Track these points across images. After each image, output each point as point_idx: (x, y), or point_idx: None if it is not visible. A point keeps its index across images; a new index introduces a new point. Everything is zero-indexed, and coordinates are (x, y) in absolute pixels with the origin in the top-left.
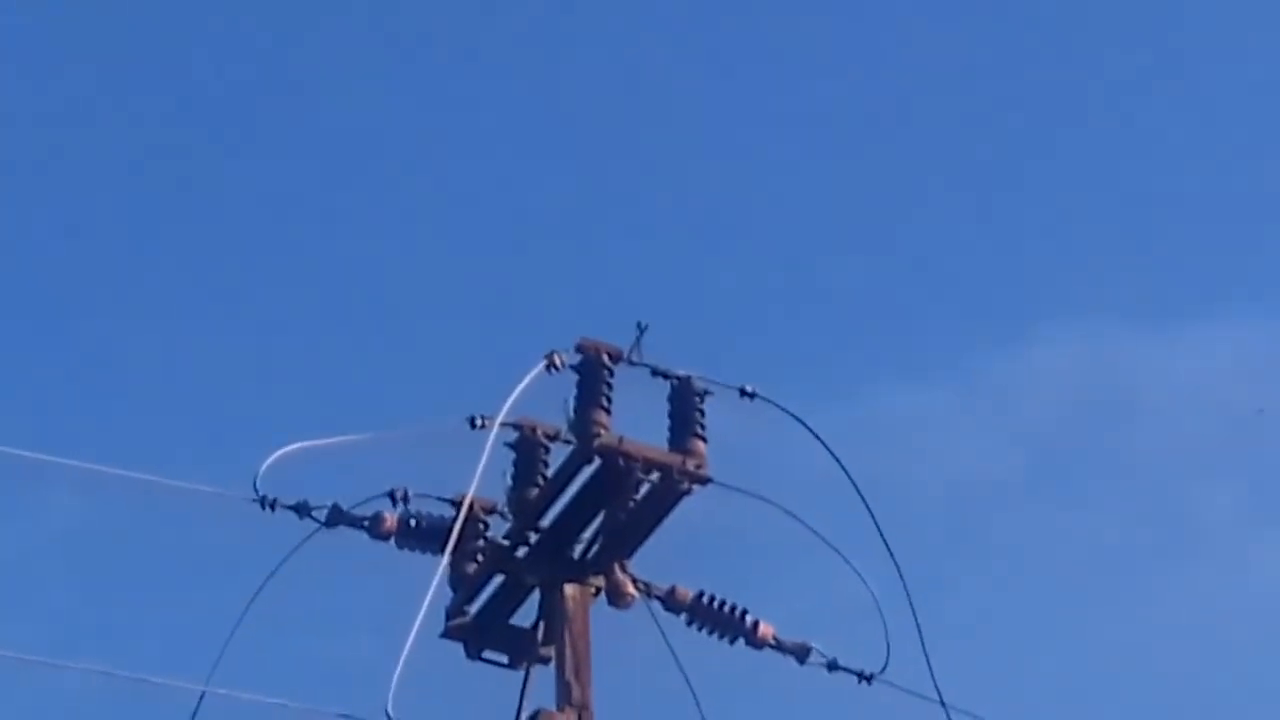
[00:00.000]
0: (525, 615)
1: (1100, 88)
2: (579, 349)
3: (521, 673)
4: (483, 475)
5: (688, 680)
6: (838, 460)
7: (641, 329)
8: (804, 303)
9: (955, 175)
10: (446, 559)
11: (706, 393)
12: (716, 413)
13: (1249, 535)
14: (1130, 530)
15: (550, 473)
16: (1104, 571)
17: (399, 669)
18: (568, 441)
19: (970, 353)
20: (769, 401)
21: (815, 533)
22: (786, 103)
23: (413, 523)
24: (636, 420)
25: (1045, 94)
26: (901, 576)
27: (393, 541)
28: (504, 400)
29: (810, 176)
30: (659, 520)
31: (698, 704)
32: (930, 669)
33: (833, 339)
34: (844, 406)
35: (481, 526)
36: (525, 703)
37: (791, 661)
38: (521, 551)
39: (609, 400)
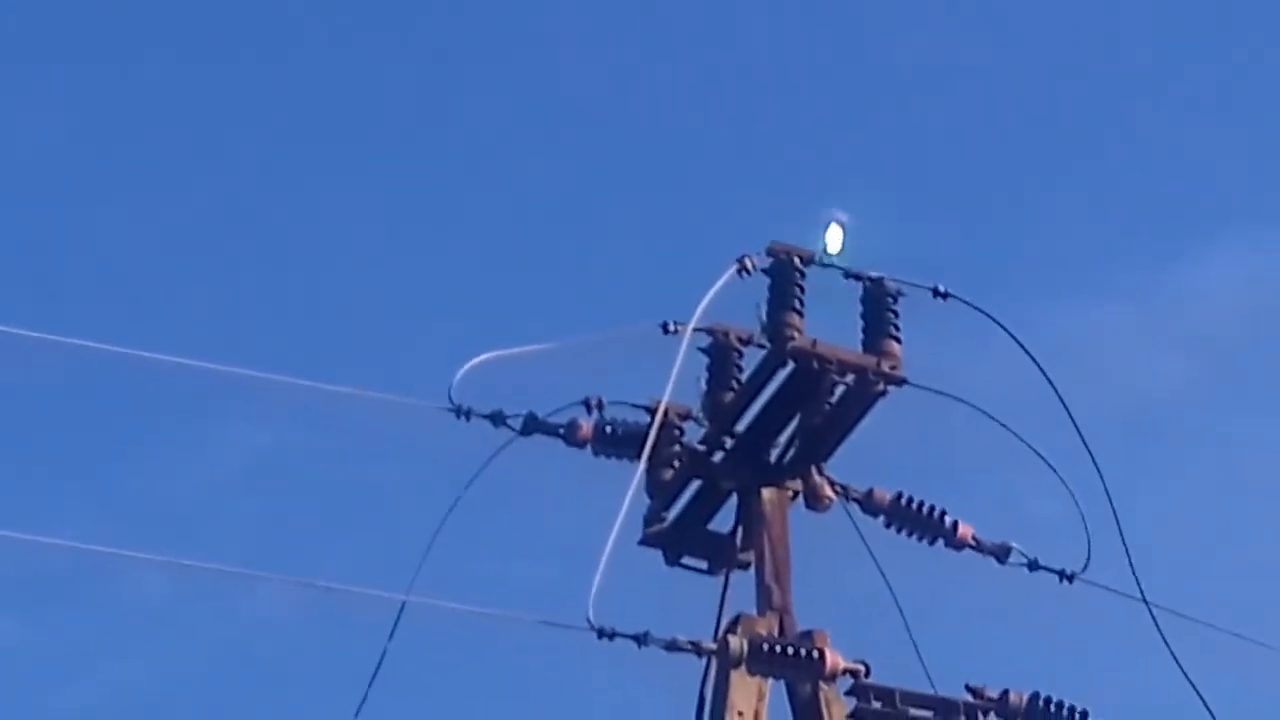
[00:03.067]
0: (723, 520)
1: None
2: (770, 252)
3: (720, 578)
4: (677, 381)
5: (887, 582)
6: (1031, 357)
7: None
8: (978, 223)
9: (1130, 90)
10: (643, 465)
11: (899, 294)
12: (909, 314)
13: None
14: None
15: (744, 377)
16: None
17: (598, 576)
18: (761, 345)
19: (1144, 267)
20: (962, 301)
21: (1012, 432)
22: (968, 15)
23: (608, 429)
24: (830, 323)
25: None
26: (1100, 473)
27: (589, 449)
28: (696, 305)
29: (995, 91)
30: (855, 422)
31: (898, 605)
32: (1132, 566)
33: (1006, 257)
34: (1019, 325)
35: (677, 432)
36: (725, 608)
37: (991, 562)
38: (718, 456)
39: (801, 303)
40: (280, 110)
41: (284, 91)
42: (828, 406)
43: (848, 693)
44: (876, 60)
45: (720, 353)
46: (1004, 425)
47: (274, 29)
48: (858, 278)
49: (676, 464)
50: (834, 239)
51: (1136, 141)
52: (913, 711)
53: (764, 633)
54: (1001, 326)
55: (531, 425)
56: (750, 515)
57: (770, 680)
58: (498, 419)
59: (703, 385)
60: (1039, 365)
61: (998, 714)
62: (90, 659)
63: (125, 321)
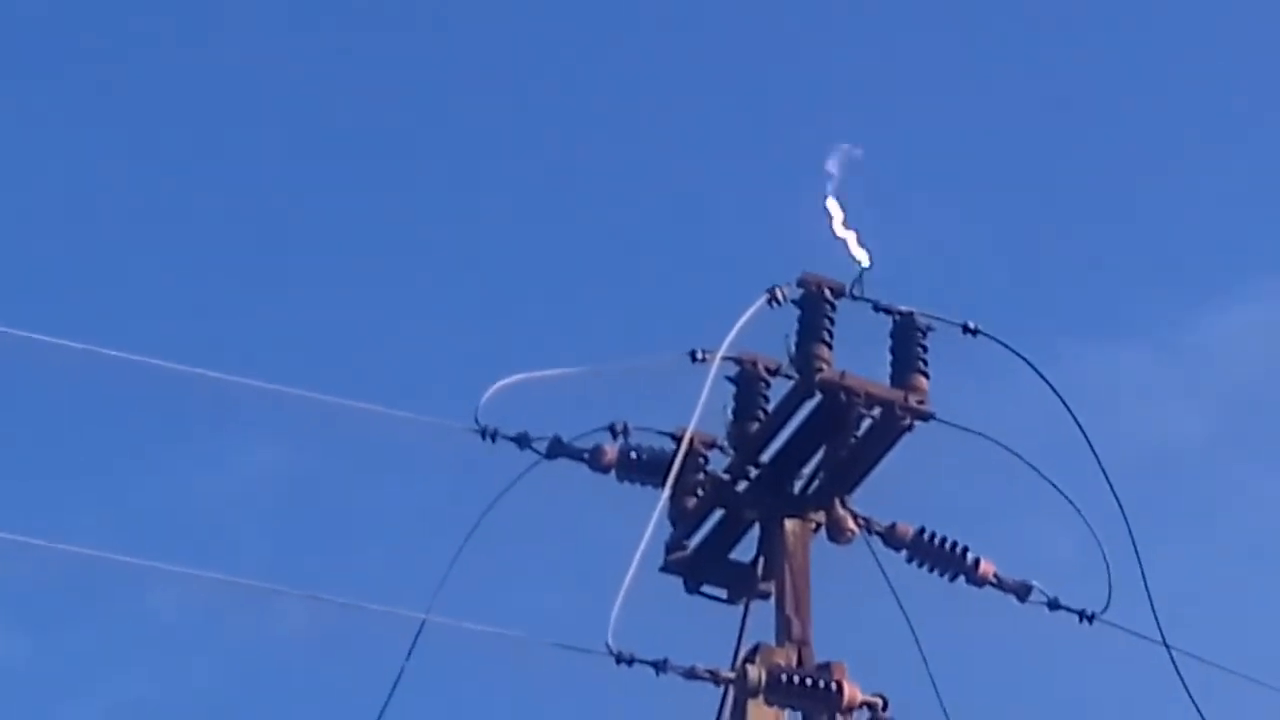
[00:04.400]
0: (745, 550)
1: None
2: (801, 283)
3: (740, 607)
4: (703, 409)
5: (907, 617)
6: (1060, 397)
7: (864, 264)
8: (1004, 264)
9: (1160, 134)
10: (667, 492)
11: (929, 328)
12: (938, 349)
13: None
14: None
15: (771, 407)
16: None
17: (619, 601)
18: (789, 376)
19: (1166, 312)
20: (992, 338)
21: (1037, 471)
22: (1002, 58)
23: (633, 455)
24: (858, 355)
25: (1246, 53)
26: (1124, 514)
27: (613, 474)
28: (725, 334)
29: (1026, 132)
30: (880, 456)
31: (917, 641)
32: (1153, 608)
33: (1030, 299)
34: (1042, 364)
35: (702, 460)
36: (744, 637)
37: (1012, 600)
38: (742, 486)
39: (831, 335)
40: (303, 124)
41: (306, 106)
42: (853, 439)
43: None
44: (915, 96)
45: (747, 382)
46: (1029, 463)
47: (294, 39)
48: (888, 311)
49: (700, 492)
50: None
51: (1167, 189)
52: None
53: (782, 663)
54: (1032, 366)
55: (556, 449)
56: (772, 546)
57: (787, 711)
58: (523, 441)
59: (729, 414)
60: (1067, 406)
61: None
62: (101, 673)
63: (148, 331)
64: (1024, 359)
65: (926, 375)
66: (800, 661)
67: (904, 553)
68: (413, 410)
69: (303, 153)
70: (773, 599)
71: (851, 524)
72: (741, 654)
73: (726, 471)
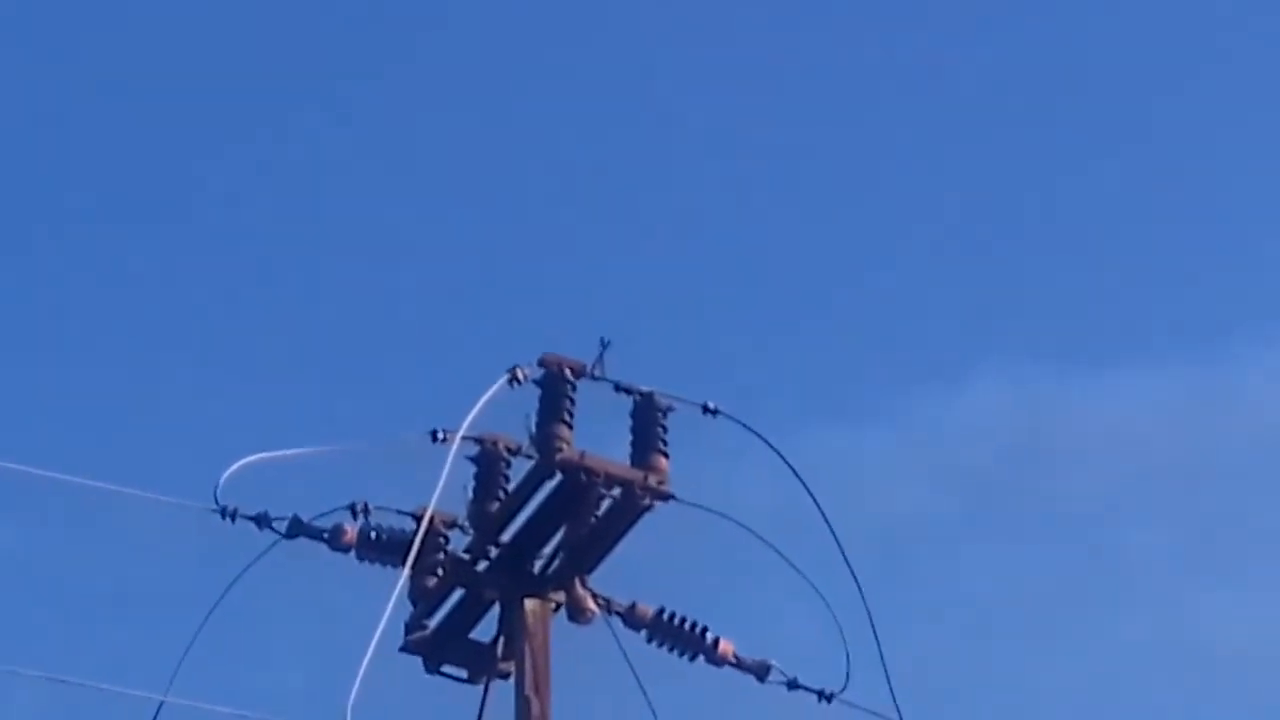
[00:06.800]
0: (485, 630)
1: (1033, 139)
2: (542, 363)
3: (480, 687)
4: (444, 489)
5: (647, 697)
6: (798, 476)
7: (604, 344)
8: (743, 345)
9: (891, 221)
10: (406, 572)
11: (669, 409)
12: (678, 430)
13: (1180, 581)
14: (1062, 572)
15: (511, 487)
16: (1036, 612)
17: (357, 682)
18: (529, 456)
19: (902, 395)
20: (731, 418)
21: (776, 551)
22: (747, 141)
23: (373, 535)
24: (599, 436)
25: (977, 141)
26: (862, 593)
27: (353, 554)
28: (466, 414)
29: (761, 216)
30: (620, 536)
31: None
32: (890, 687)
33: (764, 381)
34: (781, 446)
35: (442, 540)
36: (484, 717)
37: (751, 680)
38: (482, 566)
39: (571, 415)
40: (56, 196)
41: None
42: (594, 519)
43: None
44: (651, 180)
45: (488, 462)
46: (768, 543)
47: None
48: (628, 391)
49: (440, 572)
50: None
51: (897, 271)
52: None
53: None
54: (770, 445)
55: (296, 528)
56: (512, 625)
57: None
58: (263, 521)
59: (469, 494)
60: (805, 485)
61: None
62: None
63: None
64: (763, 439)
65: (666, 455)
66: None
67: (644, 633)
68: (151, 489)
69: (48, 223)
70: (513, 679)
71: (591, 604)
72: None
73: (467, 551)
